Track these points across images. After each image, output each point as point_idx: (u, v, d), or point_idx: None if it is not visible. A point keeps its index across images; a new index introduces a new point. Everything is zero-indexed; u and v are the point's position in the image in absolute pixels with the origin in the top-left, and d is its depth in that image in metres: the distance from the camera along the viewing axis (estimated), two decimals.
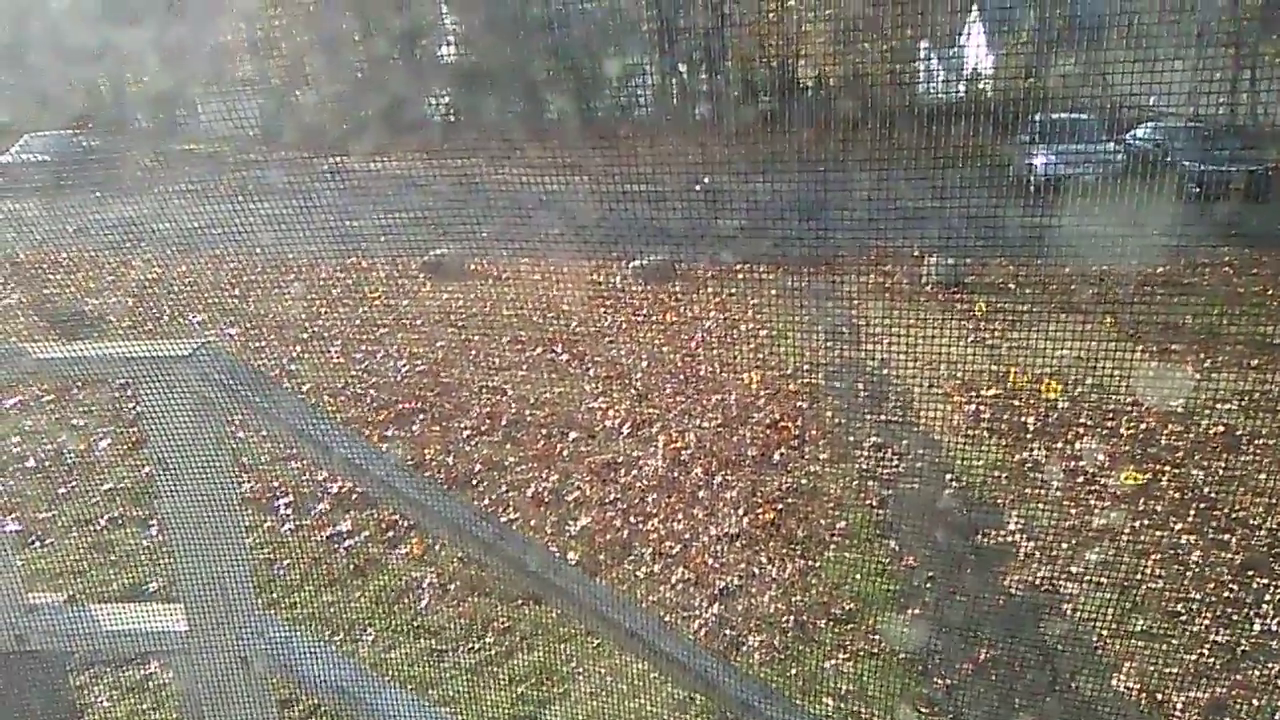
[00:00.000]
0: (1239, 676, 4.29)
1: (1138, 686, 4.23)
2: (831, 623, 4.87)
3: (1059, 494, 5.94)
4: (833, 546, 5.59)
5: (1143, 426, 6.65)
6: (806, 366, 8.04)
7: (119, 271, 10.81)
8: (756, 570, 5.39)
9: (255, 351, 8.82)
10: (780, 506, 6.03)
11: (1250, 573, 5.02)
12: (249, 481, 6.32)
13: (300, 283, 11.02)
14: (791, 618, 4.92)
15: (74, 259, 10.61)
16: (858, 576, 5.27)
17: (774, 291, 9.56)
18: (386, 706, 2.71)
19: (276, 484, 6.42)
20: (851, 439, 6.93)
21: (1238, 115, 11.05)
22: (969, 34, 13.21)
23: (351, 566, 5.58)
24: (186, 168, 14.92)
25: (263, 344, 9.05)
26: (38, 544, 5.70)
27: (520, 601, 5.12)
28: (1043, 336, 7.21)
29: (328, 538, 5.90)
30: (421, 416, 7.67)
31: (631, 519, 6.02)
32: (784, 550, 5.56)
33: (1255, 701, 4.13)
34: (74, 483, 6.60)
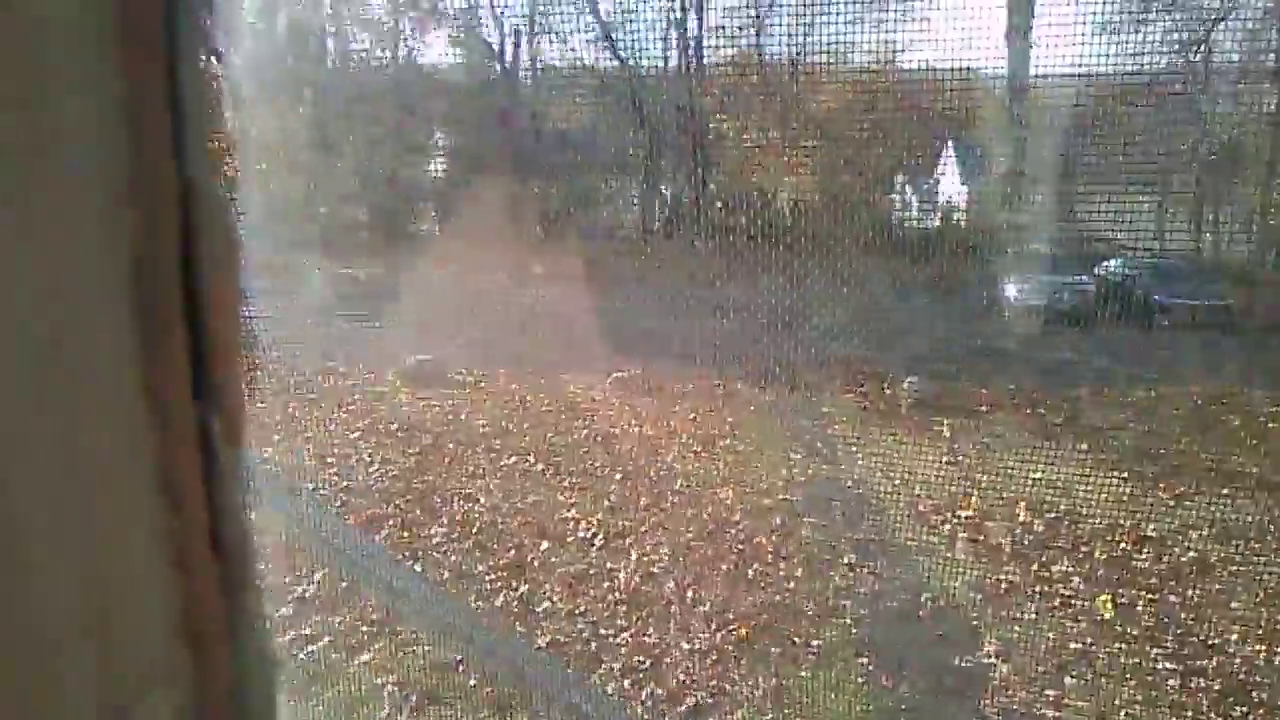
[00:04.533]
0: None
1: None
2: None
3: (1035, 617, 5.88)
4: (807, 664, 5.49)
5: (1117, 551, 6.64)
6: (781, 483, 8.02)
7: None
8: (728, 687, 5.27)
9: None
10: (754, 623, 5.93)
11: (1230, 699, 4.96)
12: None
13: (273, 382, 10.99)
14: None
15: None
16: (832, 695, 5.15)
17: (752, 407, 9.62)
18: None
19: None
20: (827, 557, 6.86)
21: (1202, 250, 11.43)
22: (944, 168, 13.68)
23: (310, 673, 5.41)
24: None
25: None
26: None
27: (485, 712, 4.97)
28: (1017, 460, 7.26)
29: (289, 641, 5.73)
30: (391, 522, 7.55)
31: (602, 631, 5.90)
32: (757, 667, 5.45)
33: None
34: None
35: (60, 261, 0.43)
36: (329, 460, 8.88)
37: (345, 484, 8.33)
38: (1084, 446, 7.64)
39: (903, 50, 11.27)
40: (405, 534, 7.37)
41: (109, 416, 0.47)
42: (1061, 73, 8.47)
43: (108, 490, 0.47)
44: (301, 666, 5.52)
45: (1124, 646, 5.46)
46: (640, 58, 13.86)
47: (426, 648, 5.46)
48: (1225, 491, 7.52)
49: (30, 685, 0.41)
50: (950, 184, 13.23)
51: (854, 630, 5.88)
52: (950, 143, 13.02)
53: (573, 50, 15.04)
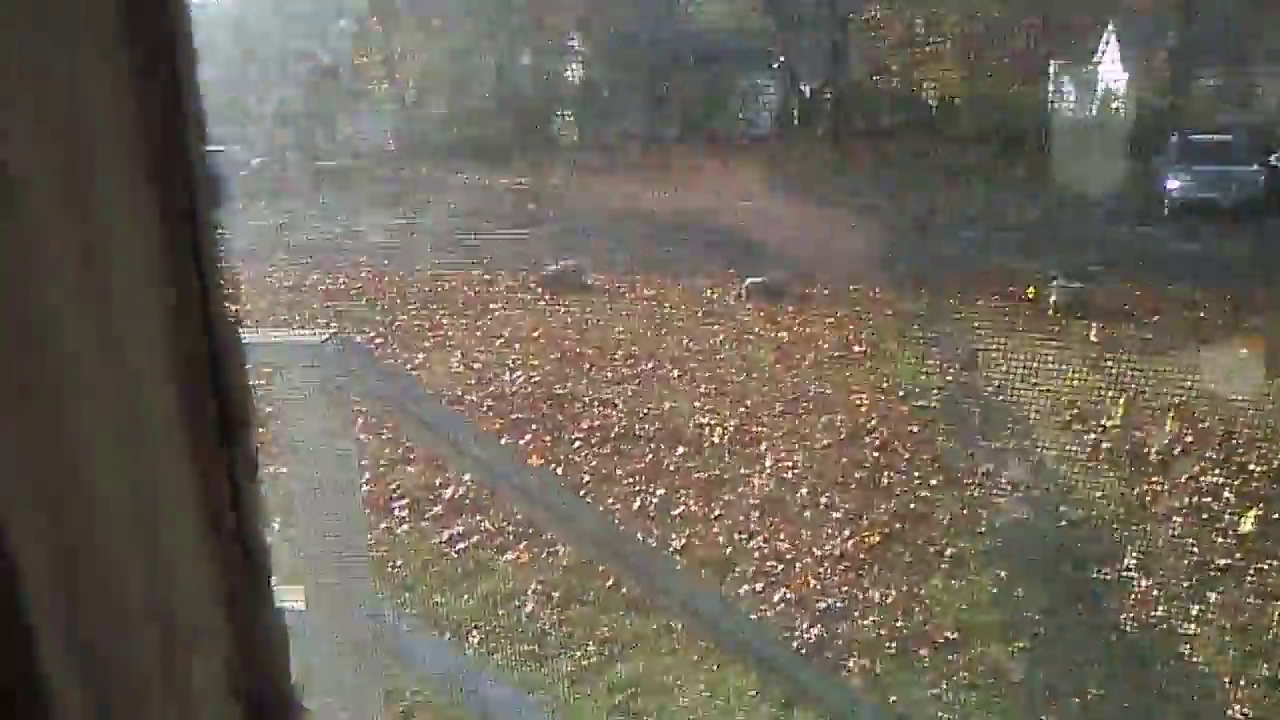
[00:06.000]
0: None
1: None
2: (934, 649, 4.79)
3: (1179, 532, 5.70)
4: (939, 573, 5.50)
5: (1275, 465, 6.33)
6: (919, 390, 7.92)
7: (254, 280, 11.35)
8: (859, 594, 5.34)
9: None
10: (887, 530, 5.95)
11: None
12: (368, 485, 6.55)
13: (424, 293, 11.42)
14: (894, 642, 4.87)
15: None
16: (964, 604, 5.16)
17: (890, 313, 9.46)
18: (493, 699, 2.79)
19: (393, 487, 6.67)
20: (963, 465, 6.78)
21: None
22: (1104, 52, 12.82)
23: (460, 570, 5.75)
24: (324, 181, 15.62)
25: (386, 352, 9.39)
26: None
27: (621, 612, 5.19)
28: (1169, 366, 6.94)
29: (440, 541, 6.08)
30: (534, 426, 7.82)
31: (736, 536, 6.04)
32: (889, 575, 5.49)
33: None
34: None
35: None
36: (475, 367, 9.23)
37: (491, 389, 8.65)
38: (1243, 352, 7.22)
39: None
40: (547, 438, 7.64)
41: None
42: None
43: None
44: (453, 563, 5.87)
45: (1275, 564, 5.26)
46: None
47: (566, 549, 5.72)
48: None
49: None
50: (1110, 70, 12.40)
51: (989, 540, 5.84)
52: (1110, 25, 12.16)
53: None
